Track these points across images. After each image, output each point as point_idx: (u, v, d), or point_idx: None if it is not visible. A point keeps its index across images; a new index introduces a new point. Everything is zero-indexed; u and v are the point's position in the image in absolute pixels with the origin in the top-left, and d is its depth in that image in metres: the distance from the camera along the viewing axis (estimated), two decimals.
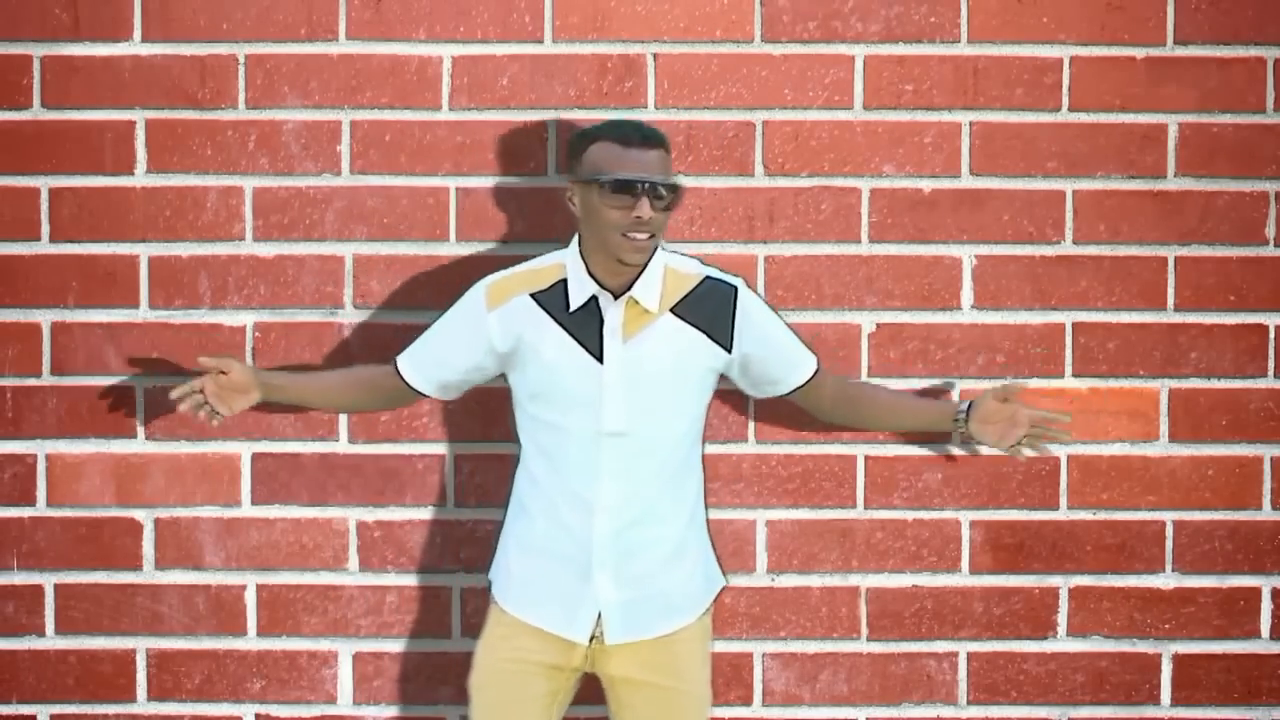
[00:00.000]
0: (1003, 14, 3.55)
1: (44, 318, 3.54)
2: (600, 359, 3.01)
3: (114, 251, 3.54)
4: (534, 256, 3.16)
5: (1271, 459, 3.60)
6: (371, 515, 3.58)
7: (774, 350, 3.16)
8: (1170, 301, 3.58)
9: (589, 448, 3.01)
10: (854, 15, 3.53)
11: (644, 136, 2.98)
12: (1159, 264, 3.58)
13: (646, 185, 2.95)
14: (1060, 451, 3.59)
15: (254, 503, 3.57)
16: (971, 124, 3.56)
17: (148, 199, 3.53)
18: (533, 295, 3.06)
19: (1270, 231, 3.58)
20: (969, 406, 3.27)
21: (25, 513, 3.57)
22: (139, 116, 3.52)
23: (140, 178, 3.53)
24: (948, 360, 3.57)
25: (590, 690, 3.27)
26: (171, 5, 3.51)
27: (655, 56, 3.54)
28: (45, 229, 3.54)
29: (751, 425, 3.56)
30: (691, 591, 3.12)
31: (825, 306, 3.56)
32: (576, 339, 3.02)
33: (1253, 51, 3.56)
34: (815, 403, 3.27)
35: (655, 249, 3.03)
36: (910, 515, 3.59)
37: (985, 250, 3.57)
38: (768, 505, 3.57)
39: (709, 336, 3.07)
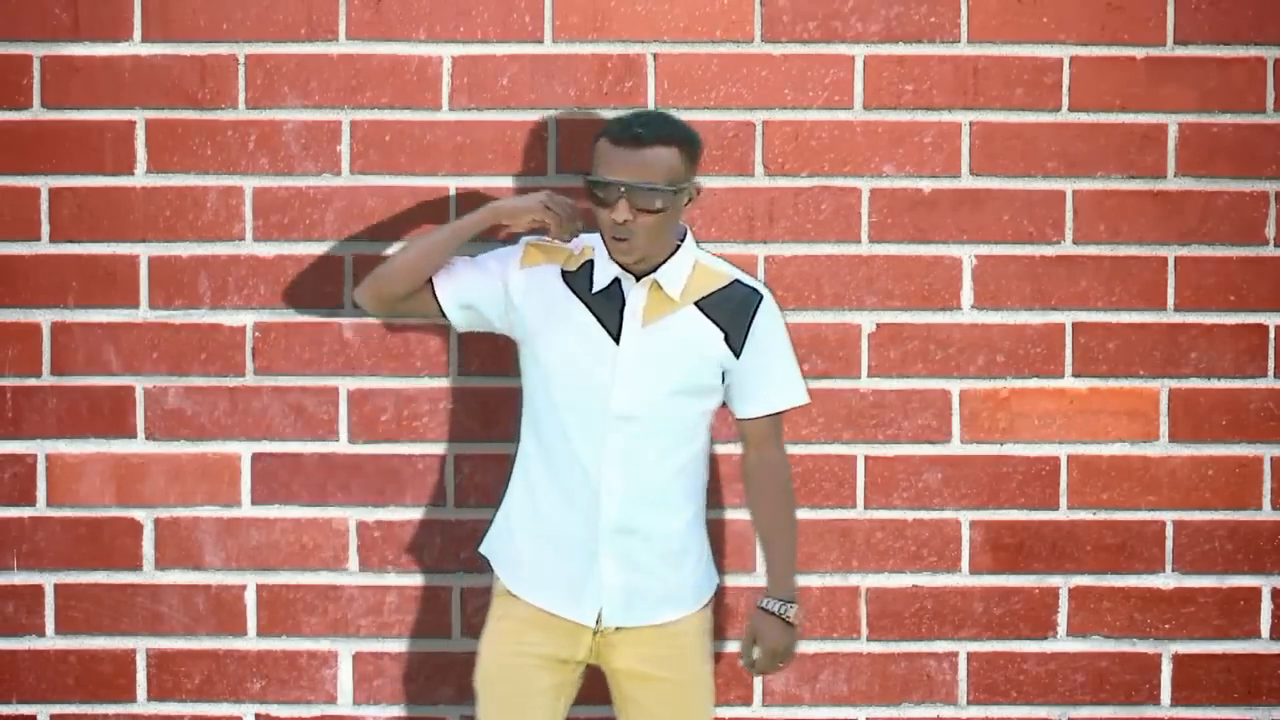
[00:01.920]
0: (1003, 14, 3.55)
1: (44, 318, 3.54)
2: (617, 340, 3.01)
3: (114, 251, 3.54)
4: None
5: (1271, 459, 3.60)
6: (371, 515, 3.58)
7: (762, 365, 3.08)
8: (1170, 301, 3.58)
9: (599, 428, 3.01)
10: (854, 15, 3.53)
11: (635, 136, 2.92)
12: (1159, 264, 3.58)
13: (621, 188, 2.91)
14: (1060, 451, 3.59)
15: (254, 503, 3.57)
16: (971, 124, 3.56)
17: (148, 199, 3.53)
18: (563, 270, 3.07)
19: (1270, 231, 3.59)
20: (770, 608, 3.12)
21: (25, 513, 3.57)
22: (139, 116, 3.52)
23: (140, 178, 3.53)
24: (948, 360, 3.57)
25: (597, 690, 3.26)
26: (171, 5, 3.51)
27: (655, 56, 3.54)
28: (45, 229, 3.54)
29: None
30: (693, 586, 3.12)
31: (825, 306, 3.56)
32: (598, 318, 3.03)
33: (1253, 51, 3.56)
34: (749, 451, 3.18)
35: (662, 251, 3.00)
36: (910, 515, 3.59)
37: (985, 250, 3.57)
38: None
39: (725, 337, 3.05)
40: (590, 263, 3.06)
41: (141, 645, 3.58)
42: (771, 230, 3.56)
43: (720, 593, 3.55)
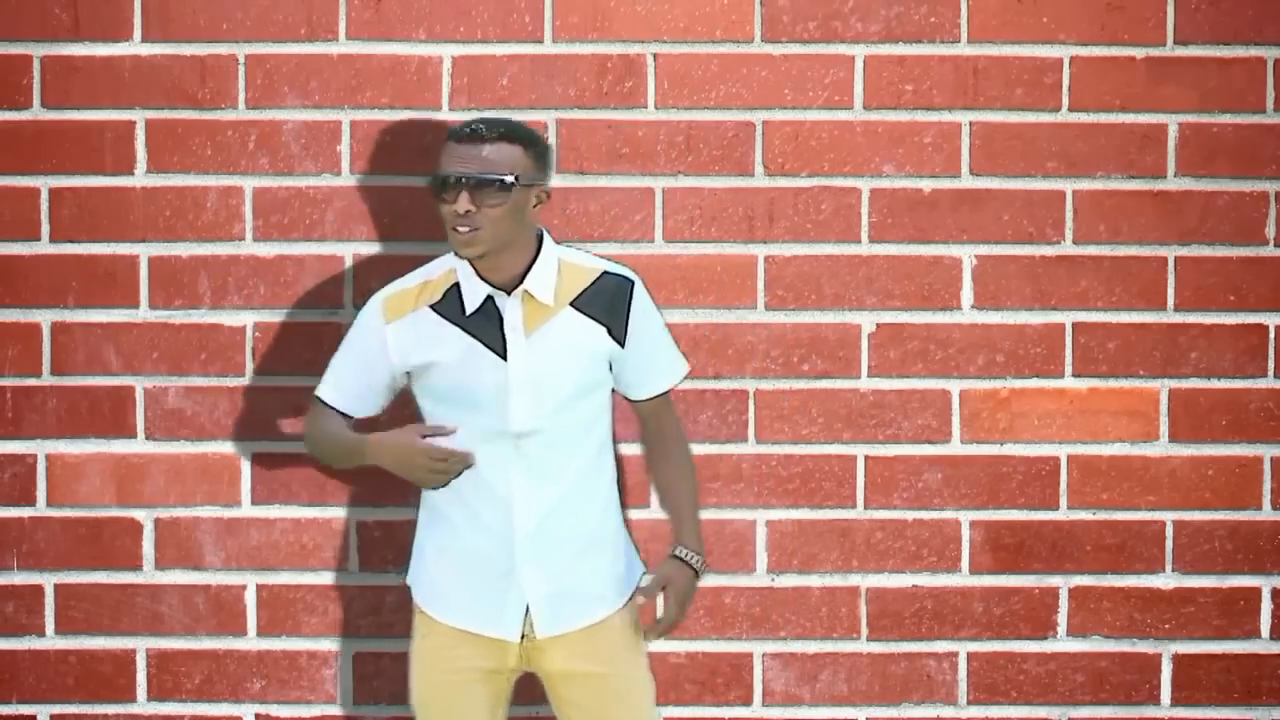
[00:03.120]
0: (1003, 14, 3.55)
1: (44, 318, 3.54)
2: (505, 357, 3.00)
3: (114, 251, 3.54)
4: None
5: (1271, 459, 3.60)
6: (371, 515, 3.58)
7: (647, 349, 3.11)
8: (1170, 301, 3.58)
9: (501, 446, 3.00)
10: (854, 15, 3.53)
11: (473, 131, 2.96)
12: (1159, 264, 3.58)
13: (460, 180, 2.92)
14: (1060, 451, 3.59)
15: (254, 503, 3.57)
16: (971, 124, 3.56)
17: (148, 199, 3.53)
18: (431, 307, 3.04)
19: (1270, 231, 3.58)
20: (683, 556, 3.14)
21: (25, 513, 3.57)
22: (139, 116, 3.52)
23: (140, 178, 3.53)
24: (948, 360, 3.57)
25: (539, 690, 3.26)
26: (171, 5, 3.51)
27: (655, 56, 3.54)
28: (45, 229, 3.54)
29: (751, 425, 3.56)
30: (613, 580, 3.11)
31: (825, 306, 3.56)
32: (480, 340, 3.00)
33: (1253, 51, 3.56)
34: (646, 424, 3.21)
35: (516, 255, 2.99)
36: (910, 515, 3.59)
37: (985, 250, 3.57)
38: (768, 505, 3.57)
39: (609, 331, 3.04)
40: (456, 286, 3.04)
41: (141, 645, 3.58)
42: (771, 230, 3.55)
43: (719, 593, 3.55)
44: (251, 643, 3.58)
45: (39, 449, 3.56)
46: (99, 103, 3.52)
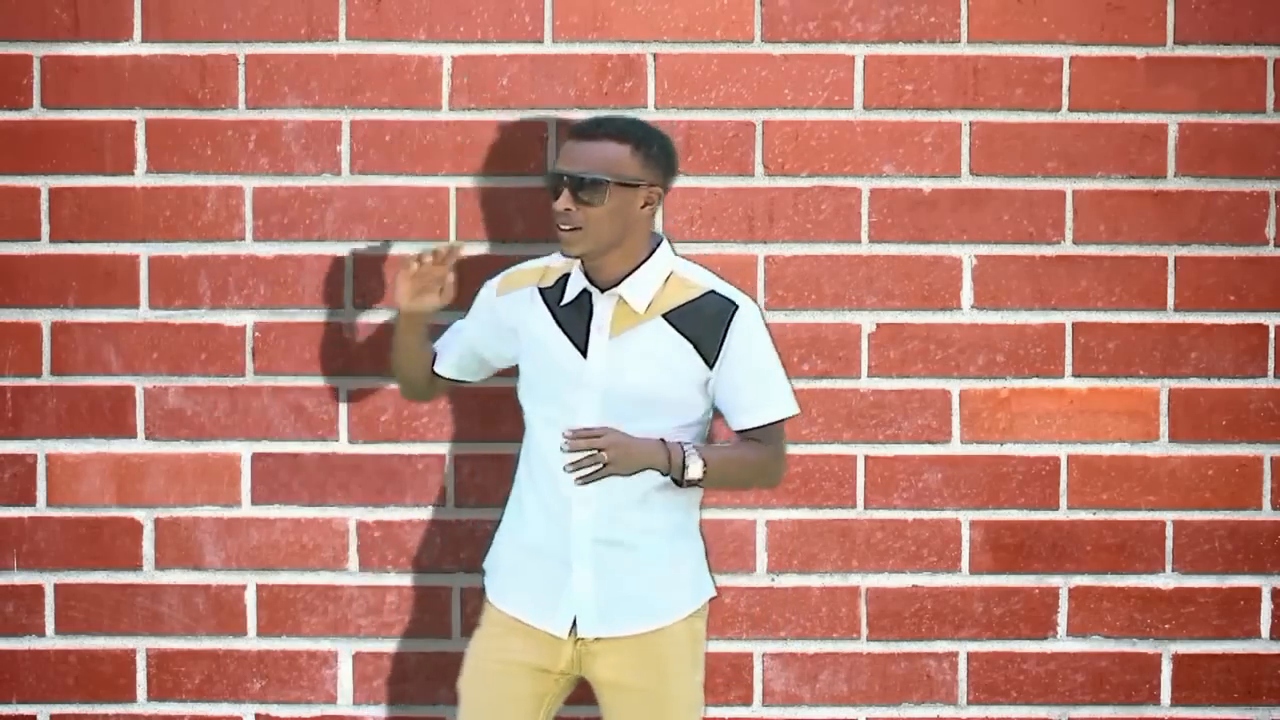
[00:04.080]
0: (1003, 14, 3.55)
1: (44, 318, 3.54)
2: (585, 354, 3.01)
3: (114, 251, 3.54)
4: (534, 256, 3.17)
5: (1271, 459, 3.60)
6: (371, 515, 3.58)
7: (738, 380, 3.00)
8: (1170, 301, 3.58)
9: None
10: (854, 15, 3.53)
11: (584, 129, 2.98)
12: (1159, 264, 3.58)
13: (564, 178, 2.93)
14: (1060, 451, 3.59)
15: (254, 503, 3.57)
16: (971, 124, 3.56)
17: (148, 199, 3.54)
18: (540, 288, 3.09)
19: (1270, 231, 3.59)
20: (683, 445, 2.97)
21: (25, 513, 3.57)
22: (139, 116, 3.52)
23: (140, 178, 3.53)
24: (948, 360, 3.57)
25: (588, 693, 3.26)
26: (171, 5, 3.52)
27: (655, 56, 3.54)
28: (45, 229, 3.54)
29: None
30: (674, 597, 3.07)
31: (825, 306, 3.56)
32: (565, 331, 3.02)
33: (1253, 51, 3.56)
34: None
35: (622, 256, 2.98)
36: (910, 515, 3.59)
37: (985, 250, 3.57)
38: (768, 505, 3.57)
39: (696, 349, 2.99)
40: (566, 276, 3.06)
41: (141, 645, 3.58)
42: (771, 230, 3.56)
43: (719, 593, 3.55)
44: (251, 643, 3.58)
45: (39, 449, 3.56)
46: (99, 103, 3.52)
